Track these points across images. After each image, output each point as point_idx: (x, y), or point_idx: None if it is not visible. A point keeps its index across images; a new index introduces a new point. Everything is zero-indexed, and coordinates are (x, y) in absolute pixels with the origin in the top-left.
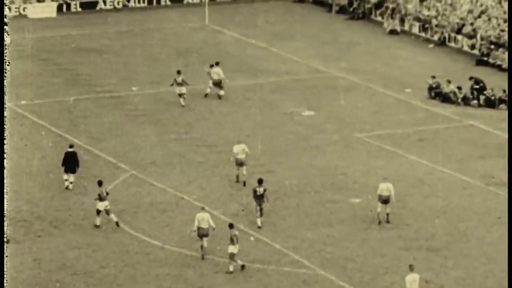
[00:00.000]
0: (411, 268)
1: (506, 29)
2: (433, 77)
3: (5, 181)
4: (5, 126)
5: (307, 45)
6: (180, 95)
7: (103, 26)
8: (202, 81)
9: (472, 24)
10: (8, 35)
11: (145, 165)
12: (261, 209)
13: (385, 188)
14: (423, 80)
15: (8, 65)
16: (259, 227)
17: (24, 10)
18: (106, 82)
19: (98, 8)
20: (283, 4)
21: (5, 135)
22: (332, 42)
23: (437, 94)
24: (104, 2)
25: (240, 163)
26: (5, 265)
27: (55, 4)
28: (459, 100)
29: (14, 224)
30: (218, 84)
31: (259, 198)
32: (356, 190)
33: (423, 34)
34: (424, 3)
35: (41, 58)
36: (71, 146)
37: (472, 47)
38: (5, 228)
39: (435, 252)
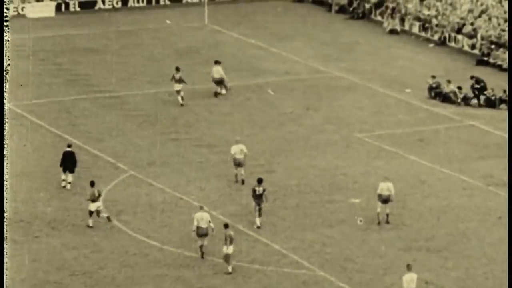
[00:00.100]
0: (408, 267)
1: (507, 28)
2: (433, 77)
3: (5, 181)
4: (5, 126)
5: (307, 45)
6: (177, 91)
7: (102, 26)
8: (201, 81)
9: (472, 23)
10: (7, 33)
11: (144, 165)
12: (260, 209)
13: (385, 187)
14: (423, 80)
15: (8, 65)
16: (258, 227)
17: (22, 10)
18: (105, 82)
19: (97, 7)
20: (282, 3)
21: (5, 135)
22: (332, 42)
23: (437, 94)
24: (103, 2)
25: (238, 164)
26: (5, 266)
27: (53, 4)
28: (459, 100)
29: (12, 224)
30: (219, 82)
31: (258, 198)
32: (356, 190)
33: (423, 34)
34: (424, 2)
35: (39, 58)
36: (69, 146)
37: (473, 47)
38: (5, 228)
39: (435, 253)
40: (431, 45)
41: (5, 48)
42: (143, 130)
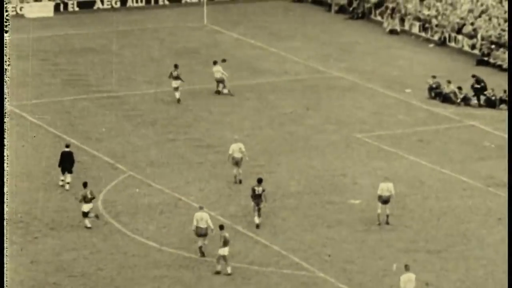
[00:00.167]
0: (406, 267)
1: (507, 29)
2: (434, 77)
3: (5, 182)
4: (5, 127)
5: (306, 45)
6: (175, 88)
7: (100, 26)
8: (200, 81)
9: (472, 23)
10: (7, 33)
11: (143, 165)
12: (259, 209)
13: (385, 188)
14: (423, 80)
15: (8, 65)
16: (257, 226)
17: (21, 10)
18: (104, 82)
19: (95, 7)
20: (282, 3)
21: (5, 135)
22: (332, 42)
23: (437, 94)
24: (102, 2)
25: (236, 163)
26: (5, 266)
27: (52, 4)
28: (460, 100)
29: (11, 225)
30: (221, 81)
31: (257, 198)
32: (355, 191)
33: (423, 34)
34: (424, 2)
35: (38, 58)
36: (67, 146)
37: (473, 47)
38: (5, 229)
39: (435, 254)
40: (431, 45)
41: (5, 49)
42: (142, 130)
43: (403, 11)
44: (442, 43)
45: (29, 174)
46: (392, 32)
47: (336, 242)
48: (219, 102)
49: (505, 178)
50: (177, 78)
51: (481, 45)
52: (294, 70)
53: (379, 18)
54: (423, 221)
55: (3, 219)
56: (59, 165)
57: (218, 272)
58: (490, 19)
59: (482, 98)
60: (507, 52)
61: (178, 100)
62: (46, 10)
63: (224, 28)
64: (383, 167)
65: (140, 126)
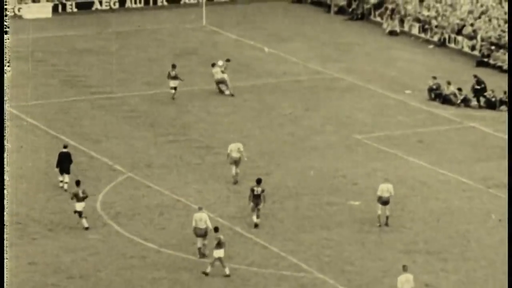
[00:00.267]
0: (404, 268)
1: (507, 30)
2: (434, 77)
3: (5, 183)
4: (5, 127)
5: (306, 46)
6: (173, 88)
7: (99, 27)
8: (199, 82)
9: (472, 25)
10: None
11: (142, 167)
12: (258, 210)
13: (385, 189)
14: (423, 81)
15: (8, 65)
16: (255, 225)
17: (19, 11)
18: (102, 83)
19: (94, 8)
20: (281, 4)
21: (5, 136)
22: (331, 43)
23: (437, 95)
24: (100, 3)
25: (234, 162)
26: (5, 267)
27: (50, 5)
28: (459, 101)
29: (9, 226)
30: (221, 82)
31: (256, 198)
32: (355, 192)
33: (422, 35)
34: (424, 3)
35: (36, 59)
36: (65, 147)
37: (473, 48)
38: (5, 230)
39: (434, 255)
40: (431, 46)
41: (4, 49)
42: (141, 131)
43: (402, 12)
44: (441, 44)
45: (27, 176)
46: (392, 33)
47: (335, 243)
48: (218, 103)
49: (505, 179)
50: (175, 78)
51: (481, 46)
52: (293, 71)
53: (378, 19)
54: (422, 222)
55: (3, 221)
56: (57, 166)
57: (206, 273)
58: (490, 20)
59: (482, 99)
60: (507, 53)
61: (173, 99)
62: (44, 11)
63: (223, 29)
64: (382, 168)
65: (139, 127)
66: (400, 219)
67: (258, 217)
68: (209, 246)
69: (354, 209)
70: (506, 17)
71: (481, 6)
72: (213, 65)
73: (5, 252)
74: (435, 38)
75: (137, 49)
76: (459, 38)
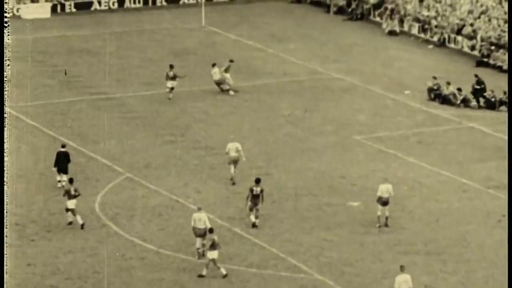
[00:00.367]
0: (402, 268)
1: (507, 30)
2: (434, 78)
3: (5, 183)
4: (5, 130)
5: (305, 46)
6: (171, 89)
7: (98, 27)
8: (198, 83)
9: (472, 25)
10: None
11: (140, 167)
12: (257, 210)
13: (385, 189)
14: (423, 81)
15: (8, 65)
16: (253, 225)
17: (17, 11)
18: (101, 84)
19: (92, 8)
20: (280, 5)
21: (5, 137)
22: (330, 43)
23: (437, 95)
24: (99, 3)
25: (232, 162)
26: (5, 268)
27: (49, 5)
28: (459, 102)
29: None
30: (219, 83)
31: (255, 198)
32: (354, 193)
33: (422, 35)
34: (424, 3)
35: (35, 60)
36: (63, 146)
37: (472, 48)
38: (5, 231)
39: (434, 256)
40: (431, 46)
41: (4, 50)
42: (140, 132)
43: (402, 12)
44: (441, 44)
45: (25, 176)
46: (391, 33)
47: (334, 244)
48: (217, 104)
49: (505, 180)
50: (173, 78)
51: (481, 46)
52: (292, 71)
53: (378, 19)
54: (422, 223)
55: (3, 222)
56: (55, 165)
57: (201, 276)
58: (489, 20)
59: (482, 99)
60: (507, 53)
61: (169, 99)
62: (43, 11)
63: (222, 29)
64: (382, 169)
65: (138, 127)
66: (400, 220)
67: (257, 217)
68: (206, 247)
69: (353, 210)
70: (506, 17)
71: (481, 6)
72: (214, 65)
73: (5, 253)
74: (435, 38)
75: (136, 49)
76: (459, 38)
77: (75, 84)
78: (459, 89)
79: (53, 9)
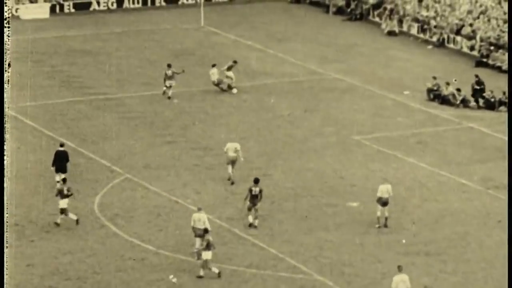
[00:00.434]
0: (399, 268)
1: (506, 30)
2: (434, 78)
3: (5, 183)
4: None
5: (304, 46)
6: (169, 87)
7: (97, 27)
8: (197, 83)
9: (471, 25)
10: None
11: (139, 168)
12: (256, 210)
13: (385, 190)
14: (422, 82)
15: (9, 65)
16: (254, 226)
17: (16, 11)
18: (100, 84)
19: (91, 9)
20: (279, 5)
21: (5, 137)
22: (330, 43)
23: (436, 96)
24: (98, 3)
25: (230, 162)
26: (5, 269)
27: (48, 5)
28: (458, 102)
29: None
30: (218, 84)
31: (254, 198)
32: (353, 193)
33: (421, 35)
34: (423, 3)
35: (33, 60)
36: (61, 145)
37: (472, 48)
38: (5, 231)
39: (434, 257)
40: (430, 46)
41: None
42: (139, 132)
43: (401, 12)
44: (440, 44)
45: (24, 177)
46: (391, 33)
47: (334, 245)
48: (216, 104)
49: (504, 180)
50: (171, 77)
51: (480, 46)
52: (291, 71)
53: (377, 19)
54: (422, 223)
55: (3, 223)
56: (53, 165)
57: (200, 276)
58: (489, 20)
59: (481, 100)
60: (506, 54)
61: (169, 98)
62: (41, 11)
63: (222, 30)
64: (381, 169)
65: (137, 128)
66: (399, 220)
67: (256, 217)
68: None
69: (353, 210)
70: (505, 17)
71: (480, 6)
72: (214, 65)
73: (5, 254)
74: (434, 38)
75: (135, 49)
76: (458, 38)
77: (74, 84)
78: (459, 90)
79: (52, 9)
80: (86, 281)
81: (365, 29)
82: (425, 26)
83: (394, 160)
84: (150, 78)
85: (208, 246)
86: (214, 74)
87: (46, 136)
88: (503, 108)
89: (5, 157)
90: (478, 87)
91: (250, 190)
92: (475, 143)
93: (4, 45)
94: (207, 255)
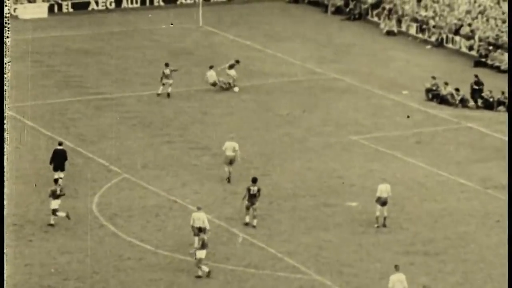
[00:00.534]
0: (396, 268)
1: (505, 30)
2: (434, 77)
3: (5, 184)
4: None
5: (303, 46)
6: (170, 84)
7: (95, 27)
8: (196, 83)
9: (470, 25)
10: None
11: (138, 168)
12: (254, 209)
13: (384, 189)
14: (420, 81)
15: (8, 65)
16: (253, 226)
17: (14, 11)
18: (98, 84)
19: (90, 8)
20: (278, 5)
21: (5, 137)
22: (328, 43)
23: (435, 96)
24: (96, 3)
25: (228, 161)
26: (5, 269)
27: (46, 5)
28: (457, 102)
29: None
30: (214, 85)
31: (252, 198)
32: (352, 193)
33: (420, 35)
34: (422, 3)
35: (32, 60)
36: (60, 144)
37: (470, 48)
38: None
39: (433, 257)
40: (429, 46)
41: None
42: (137, 132)
43: (400, 12)
44: (439, 44)
45: (23, 177)
46: (389, 33)
47: (333, 244)
48: (215, 104)
49: (503, 180)
50: (168, 76)
51: (479, 46)
52: (290, 71)
53: (376, 19)
54: (420, 223)
55: (3, 223)
56: (51, 162)
57: (198, 276)
58: (487, 20)
59: (480, 100)
60: (505, 54)
61: (168, 95)
62: (40, 11)
63: (220, 29)
64: (380, 169)
65: (135, 128)
66: (398, 220)
67: (255, 217)
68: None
69: (351, 210)
70: (504, 17)
71: (479, 6)
72: (211, 67)
73: (5, 254)
74: (433, 38)
75: (134, 49)
76: (457, 38)
77: (72, 84)
78: (457, 89)
79: (50, 9)
80: (85, 281)
81: (363, 29)
82: (424, 26)
83: (392, 160)
84: (149, 77)
85: (203, 245)
86: (212, 76)
87: (44, 136)
88: (501, 108)
89: (5, 158)
90: (477, 87)
91: (248, 190)
92: (474, 143)
93: (4, 45)
94: (201, 254)
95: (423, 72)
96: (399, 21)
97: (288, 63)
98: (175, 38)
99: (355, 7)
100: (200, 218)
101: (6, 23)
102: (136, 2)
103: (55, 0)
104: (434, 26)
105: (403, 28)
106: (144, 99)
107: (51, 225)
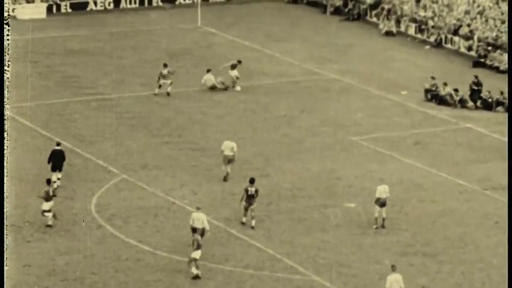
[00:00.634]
0: (393, 268)
1: (504, 30)
2: (433, 78)
3: (5, 184)
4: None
5: (302, 46)
6: (164, 84)
7: (93, 27)
8: (194, 83)
9: (469, 25)
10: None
11: (136, 168)
12: (252, 210)
13: (383, 190)
14: (419, 82)
15: (8, 65)
16: (252, 227)
17: (13, 11)
18: (97, 84)
19: (88, 9)
20: (276, 5)
21: (5, 137)
22: (327, 43)
23: (434, 96)
24: (95, 3)
25: (227, 161)
26: (5, 269)
27: (44, 5)
28: (456, 102)
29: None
30: (213, 88)
31: (250, 198)
32: (351, 194)
33: (419, 36)
34: (420, 4)
35: (30, 60)
36: (58, 144)
37: (469, 48)
38: (5, 231)
39: (431, 258)
40: (427, 47)
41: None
42: (136, 133)
43: (399, 13)
44: (438, 44)
45: (21, 177)
46: (388, 33)
47: (331, 245)
48: (213, 105)
49: (502, 181)
50: (166, 76)
51: (478, 46)
52: (289, 72)
53: (374, 19)
54: (419, 224)
55: (3, 223)
56: (48, 162)
57: (197, 277)
58: (486, 20)
59: (479, 100)
60: (504, 54)
61: (168, 94)
62: (38, 11)
63: (219, 30)
64: (379, 170)
65: (134, 128)
66: (397, 221)
67: (253, 218)
68: (205, 247)
69: (350, 211)
70: (503, 17)
71: (478, 6)
72: (208, 71)
73: (4, 254)
74: (432, 39)
75: (132, 50)
76: (456, 38)
77: (71, 84)
78: (456, 90)
79: (49, 9)
80: (83, 281)
81: (362, 29)
82: (423, 27)
83: (391, 160)
84: (147, 78)
85: (198, 246)
86: (210, 80)
87: (43, 136)
88: (500, 108)
89: (5, 158)
90: (476, 88)
91: (246, 190)
92: (473, 143)
93: (4, 45)
94: (195, 254)
95: (422, 73)
96: (398, 22)
97: (287, 63)
98: (173, 39)
99: (354, 8)
100: (200, 219)
101: (6, 24)
102: (135, 3)
103: (54, 0)
104: (433, 27)
105: (402, 29)
106: (143, 100)
107: (49, 226)
